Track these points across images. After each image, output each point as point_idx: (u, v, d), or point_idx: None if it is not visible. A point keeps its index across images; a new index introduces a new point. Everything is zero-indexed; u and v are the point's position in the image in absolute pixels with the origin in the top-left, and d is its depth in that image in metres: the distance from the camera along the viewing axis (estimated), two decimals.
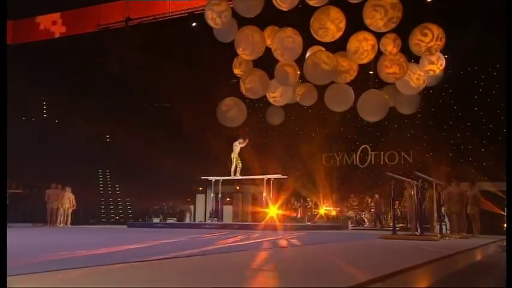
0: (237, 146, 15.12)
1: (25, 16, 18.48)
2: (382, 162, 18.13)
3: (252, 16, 11.79)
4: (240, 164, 15.20)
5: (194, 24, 16.32)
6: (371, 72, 13.05)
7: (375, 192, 17.09)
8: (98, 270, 3.34)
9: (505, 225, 12.29)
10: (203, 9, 12.39)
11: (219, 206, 16.02)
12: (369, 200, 17.45)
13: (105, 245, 6.26)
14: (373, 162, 18.42)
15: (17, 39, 18.16)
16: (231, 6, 11.83)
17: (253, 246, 6.50)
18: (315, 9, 11.35)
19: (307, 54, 12.45)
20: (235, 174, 15.25)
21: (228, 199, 17.98)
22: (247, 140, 15.21)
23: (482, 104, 16.46)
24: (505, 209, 12.09)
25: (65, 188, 15.62)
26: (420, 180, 9.37)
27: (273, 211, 14.48)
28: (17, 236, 7.95)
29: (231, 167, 15.20)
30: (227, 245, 6.77)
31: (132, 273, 3.32)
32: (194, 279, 3.02)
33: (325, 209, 18.08)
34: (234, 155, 15.12)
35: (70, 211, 15.65)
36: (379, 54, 11.79)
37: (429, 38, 11.03)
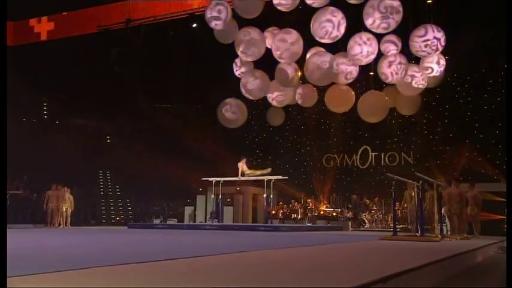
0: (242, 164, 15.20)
1: (26, 17, 18.49)
2: (382, 163, 18.13)
3: (252, 17, 11.77)
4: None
5: (195, 25, 16.33)
6: (371, 73, 13.04)
7: (377, 193, 17.07)
8: (98, 271, 3.34)
9: (505, 226, 12.28)
10: (203, 10, 12.37)
11: (220, 207, 16.01)
12: (368, 201, 17.41)
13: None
14: (373, 163, 18.41)
15: (18, 40, 18.17)
16: (231, 7, 11.82)
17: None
18: (315, 9, 11.33)
19: (308, 55, 12.44)
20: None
21: (228, 200, 17.97)
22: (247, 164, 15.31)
23: (482, 104, 16.45)
24: (505, 210, 12.07)
25: (65, 189, 15.62)
26: (420, 181, 9.34)
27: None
28: (17, 237, 7.95)
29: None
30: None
31: (134, 273, 3.31)
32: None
33: (326, 210, 18.08)
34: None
35: (70, 212, 15.64)
36: (380, 55, 11.77)
37: (422, 35, 10.99)
